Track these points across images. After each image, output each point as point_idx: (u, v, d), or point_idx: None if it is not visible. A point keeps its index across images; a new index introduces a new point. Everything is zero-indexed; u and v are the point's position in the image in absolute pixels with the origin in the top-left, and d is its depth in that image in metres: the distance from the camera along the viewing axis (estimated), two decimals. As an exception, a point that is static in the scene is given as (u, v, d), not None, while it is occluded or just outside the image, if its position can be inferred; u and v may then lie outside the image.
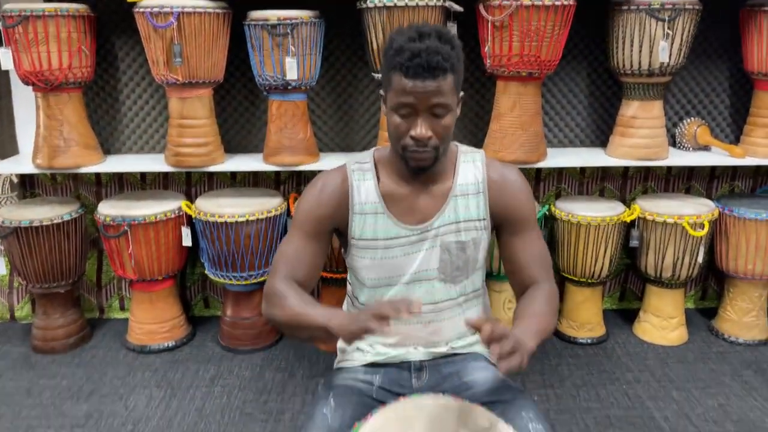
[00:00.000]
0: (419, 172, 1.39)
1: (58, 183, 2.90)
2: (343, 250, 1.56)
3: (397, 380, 1.46)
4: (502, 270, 2.68)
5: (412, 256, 1.44)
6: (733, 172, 2.97)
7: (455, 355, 1.50)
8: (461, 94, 1.40)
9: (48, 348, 2.71)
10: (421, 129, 1.30)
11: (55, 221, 2.57)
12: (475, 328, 1.15)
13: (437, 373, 1.47)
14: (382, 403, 1.32)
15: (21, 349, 2.76)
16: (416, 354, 1.48)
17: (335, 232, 1.51)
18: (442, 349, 1.49)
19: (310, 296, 1.39)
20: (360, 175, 1.46)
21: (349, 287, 1.62)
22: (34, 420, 2.27)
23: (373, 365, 1.48)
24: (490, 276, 2.71)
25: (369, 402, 1.39)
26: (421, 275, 1.45)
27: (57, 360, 2.67)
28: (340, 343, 1.60)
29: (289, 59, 2.41)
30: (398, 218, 1.44)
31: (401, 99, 1.30)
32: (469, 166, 1.46)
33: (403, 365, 1.48)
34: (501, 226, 1.48)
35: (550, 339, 2.77)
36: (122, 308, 3.05)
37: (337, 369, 1.53)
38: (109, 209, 2.58)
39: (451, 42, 1.32)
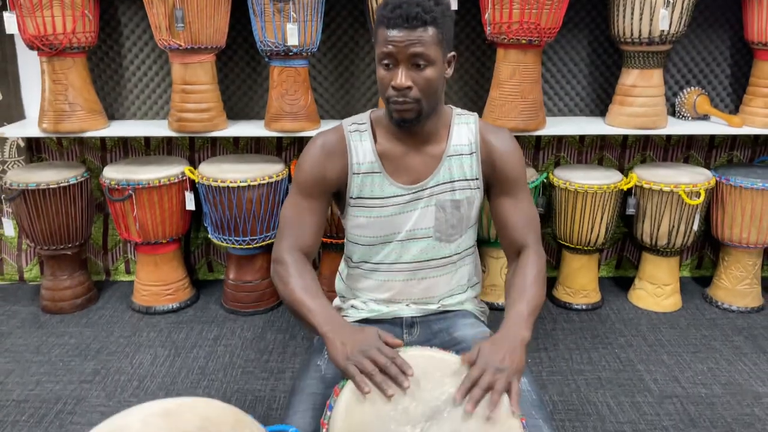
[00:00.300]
0: (403, 125, 1.41)
1: (64, 148, 2.95)
2: (339, 211, 1.61)
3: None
4: (499, 236, 2.72)
5: (407, 214, 1.48)
6: (732, 141, 2.99)
7: (446, 312, 1.55)
8: (452, 53, 1.42)
9: (56, 308, 2.79)
10: (400, 78, 1.34)
11: (61, 184, 2.62)
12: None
13: (428, 329, 1.52)
14: (373, 356, 1.37)
15: (30, 309, 2.84)
16: (408, 311, 1.54)
17: (334, 194, 1.55)
18: (433, 307, 1.54)
19: (312, 278, 1.43)
20: (357, 136, 1.49)
21: (345, 248, 1.66)
22: (43, 376, 2.35)
23: (366, 321, 1.54)
24: (488, 243, 2.76)
25: (361, 355, 1.45)
26: (416, 233, 1.50)
27: (65, 320, 2.75)
28: (336, 301, 1.66)
29: (290, 25, 2.42)
30: (394, 178, 1.47)
31: (383, 49, 1.35)
32: (463, 128, 1.50)
33: (396, 321, 1.53)
34: (492, 186, 1.52)
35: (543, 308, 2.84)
36: (128, 271, 3.12)
37: (332, 325, 1.58)
38: (114, 173, 2.63)
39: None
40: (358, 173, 1.48)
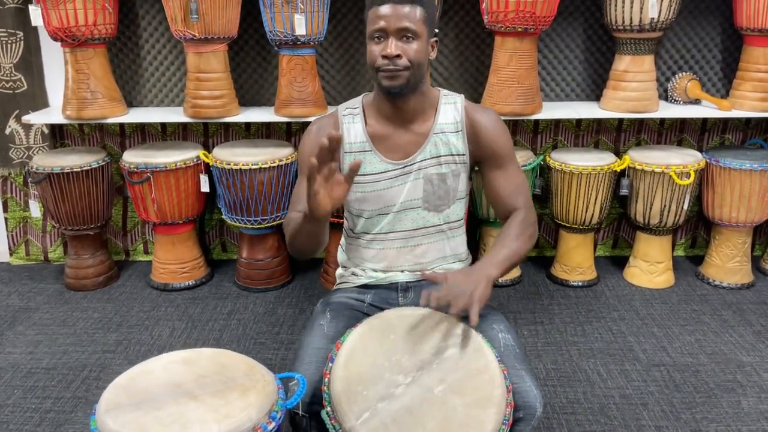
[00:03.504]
0: (392, 94, 1.53)
1: (86, 134, 3.11)
2: None
3: (385, 298, 1.66)
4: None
5: (399, 188, 1.62)
6: (724, 125, 3.09)
7: (437, 277, 1.69)
8: (434, 39, 1.57)
9: (80, 285, 2.96)
10: (391, 47, 1.48)
11: (84, 168, 2.78)
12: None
13: (421, 293, 1.66)
14: (371, 317, 1.51)
15: (55, 287, 3.02)
16: (403, 276, 1.68)
17: None
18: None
19: None
20: (350, 119, 1.64)
21: (345, 222, 1.81)
22: (69, 346, 2.52)
23: (365, 286, 1.69)
24: (487, 222, 2.89)
25: (360, 316, 1.59)
26: (408, 204, 1.64)
27: (88, 296, 2.92)
28: (339, 270, 1.80)
29: (298, 16, 2.56)
30: (384, 155, 1.62)
31: (375, 26, 1.50)
32: (450, 108, 1.63)
33: (392, 286, 1.68)
34: (483, 162, 1.66)
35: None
36: (146, 252, 3.29)
37: (334, 290, 1.73)
38: (133, 157, 2.79)
39: None
40: (350, 152, 1.62)
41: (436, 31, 1.63)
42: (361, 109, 1.64)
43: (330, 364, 1.35)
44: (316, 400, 1.36)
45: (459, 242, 1.72)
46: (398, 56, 1.49)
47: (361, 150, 1.62)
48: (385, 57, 1.49)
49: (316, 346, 1.48)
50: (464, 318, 1.42)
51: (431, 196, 1.62)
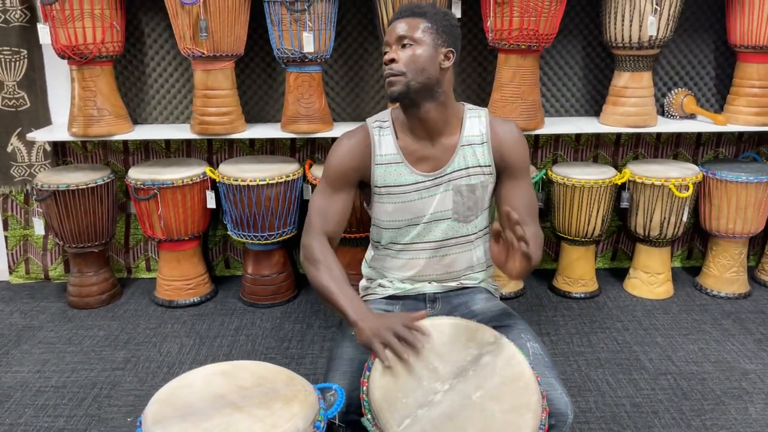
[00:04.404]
0: (393, 98, 1.60)
1: (89, 151, 3.10)
2: (365, 203, 1.78)
3: (413, 309, 1.68)
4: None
5: (429, 199, 1.66)
6: (718, 139, 3.18)
7: (464, 288, 1.73)
8: (449, 49, 1.60)
9: (83, 303, 2.94)
10: (388, 54, 1.58)
11: (89, 185, 2.78)
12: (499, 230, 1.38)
13: (448, 304, 1.70)
14: (401, 328, 1.53)
15: (58, 305, 2.99)
16: (430, 287, 1.71)
17: (360, 186, 1.72)
18: (453, 284, 1.72)
19: (338, 266, 1.58)
20: (379, 131, 1.67)
21: (372, 236, 1.83)
22: (77, 364, 2.50)
23: (393, 297, 1.71)
24: (492, 235, 2.93)
25: (390, 327, 1.62)
26: (438, 215, 1.67)
27: (92, 314, 2.90)
28: (363, 282, 1.83)
29: (306, 34, 2.60)
30: (414, 167, 1.65)
31: (384, 41, 1.61)
32: (475, 121, 1.68)
33: (419, 297, 1.71)
34: (500, 172, 1.70)
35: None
36: (148, 269, 3.27)
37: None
38: (139, 174, 2.79)
39: (436, 8, 1.63)
40: (381, 164, 1.66)
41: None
42: (390, 122, 1.68)
43: (367, 373, 1.37)
44: (351, 409, 1.38)
45: (483, 251, 1.76)
46: (393, 60, 1.56)
47: (392, 162, 1.65)
48: (384, 63, 1.59)
49: (348, 356, 1.50)
50: (495, 327, 1.45)
51: (461, 207, 1.66)
